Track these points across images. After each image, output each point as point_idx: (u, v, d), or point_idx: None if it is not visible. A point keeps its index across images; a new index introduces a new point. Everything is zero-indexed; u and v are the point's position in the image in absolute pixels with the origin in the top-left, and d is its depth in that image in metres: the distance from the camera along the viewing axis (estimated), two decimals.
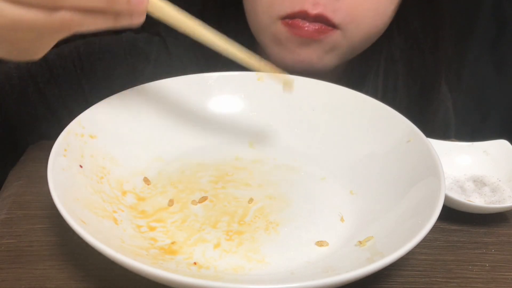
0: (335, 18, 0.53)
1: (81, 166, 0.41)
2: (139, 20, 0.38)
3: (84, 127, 0.44)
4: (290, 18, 0.54)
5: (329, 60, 0.57)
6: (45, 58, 0.59)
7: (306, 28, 0.53)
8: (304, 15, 0.53)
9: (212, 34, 0.42)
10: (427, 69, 0.66)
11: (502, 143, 0.49)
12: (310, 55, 0.56)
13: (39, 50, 0.39)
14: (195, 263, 0.37)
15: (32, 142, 0.56)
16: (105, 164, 0.44)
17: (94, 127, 0.45)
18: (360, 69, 0.67)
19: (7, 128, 0.58)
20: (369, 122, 0.49)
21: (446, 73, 0.69)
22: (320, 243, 0.39)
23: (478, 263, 0.40)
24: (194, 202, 0.43)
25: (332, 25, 0.54)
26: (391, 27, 0.62)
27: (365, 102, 0.50)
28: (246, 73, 0.53)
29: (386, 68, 0.65)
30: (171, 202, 0.43)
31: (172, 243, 0.39)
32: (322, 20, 0.53)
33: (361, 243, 0.38)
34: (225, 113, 0.52)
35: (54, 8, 0.33)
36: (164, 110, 0.50)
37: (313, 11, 0.52)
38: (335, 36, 0.55)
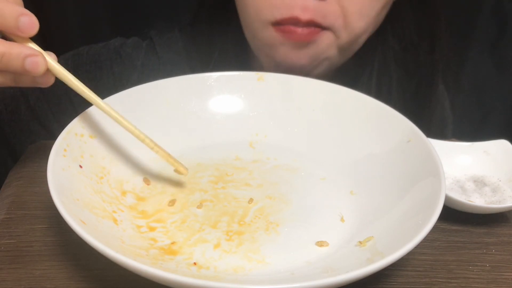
0: (325, 22, 0.54)
1: (81, 166, 0.41)
2: (45, 82, 0.40)
3: (83, 127, 0.44)
4: (280, 25, 0.54)
5: (320, 62, 0.58)
6: None
7: (299, 31, 0.54)
8: (295, 21, 0.53)
9: (103, 103, 0.42)
10: (423, 71, 0.66)
11: (503, 143, 0.49)
12: (302, 58, 0.57)
13: None
14: (195, 263, 0.37)
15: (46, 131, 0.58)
16: (105, 164, 0.44)
17: (93, 127, 0.45)
18: (354, 71, 0.67)
19: (2, 140, 0.59)
20: (369, 122, 0.49)
21: (444, 74, 0.69)
22: (320, 243, 0.39)
23: (479, 263, 0.40)
24: (194, 204, 0.43)
25: (323, 28, 0.54)
26: (385, 29, 0.62)
27: (366, 102, 0.50)
28: (246, 73, 0.53)
29: (379, 70, 0.66)
30: (171, 203, 0.43)
31: (172, 243, 0.39)
32: (313, 25, 0.54)
33: (361, 243, 0.38)
34: (225, 113, 0.52)
35: None
36: (164, 110, 0.50)
37: (304, 17, 0.53)
38: (326, 36, 0.55)
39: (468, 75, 1.04)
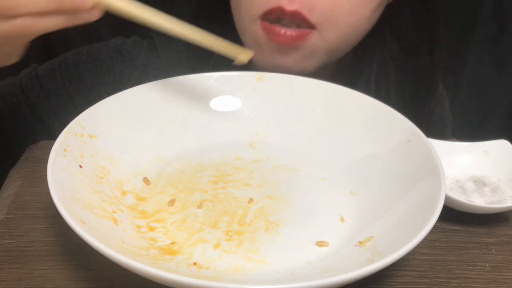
0: (312, 17, 0.53)
1: (81, 166, 0.41)
2: (94, 15, 0.40)
3: (84, 127, 0.44)
4: (268, 18, 0.54)
5: (308, 64, 0.57)
6: (36, 73, 0.61)
7: (283, 34, 0.53)
8: (280, 12, 0.53)
9: (163, 18, 0.43)
10: (422, 72, 0.66)
11: (502, 143, 0.49)
12: (288, 61, 0.56)
13: (9, 56, 0.42)
14: (195, 263, 0.37)
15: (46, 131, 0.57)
16: (105, 164, 0.44)
17: (94, 127, 0.45)
18: (352, 72, 0.67)
19: (1, 138, 0.60)
20: (369, 122, 0.49)
21: (443, 74, 0.69)
22: (320, 243, 0.39)
23: (479, 263, 0.40)
24: (194, 204, 0.43)
25: (309, 25, 0.53)
26: (383, 30, 0.62)
27: (366, 102, 0.50)
28: (246, 73, 0.53)
29: (378, 71, 0.65)
30: (171, 202, 0.43)
31: (172, 243, 0.39)
32: (299, 20, 0.53)
33: (361, 243, 0.38)
34: (225, 113, 0.52)
35: (8, 17, 0.36)
36: (164, 110, 0.50)
37: (289, 7, 0.52)
38: (313, 39, 0.54)
39: (468, 75, 1.04)
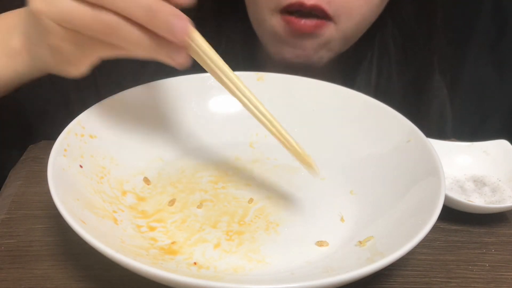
0: (330, 9, 0.54)
1: (81, 166, 0.41)
2: (180, 58, 0.38)
3: (84, 127, 0.44)
4: (288, 11, 0.55)
5: (324, 53, 0.59)
6: None
7: (303, 23, 0.55)
8: (300, 6, 0.54)
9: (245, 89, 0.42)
10: (421, 58, 0.67)
11: (502, 143, 0.49)
12: (306, 49, 0.57)
13: (78, 63, 0.40)
14: (195, 263, 0.37)
15: (46, 131, 0.57)
16: (105, 164, 0.44)
17: (94, 127, 0.45)
18: (354, 58, 0.68)
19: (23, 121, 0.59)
20: (369, 122, 0.49)
21: (440, 64, 0.69)
22: (320, 243, 0.39)
23: (478, 263, 0.40)
24: (194, 204, 0.43)
25: (327, 17, 0.55)
26: (384, 16, 0.63)
27: (366, 102, 0.50)
28: (246, 73, 0.53)
29: (380, 57, 0.67)
30: (171, 202, 0.43)
31: (172, 243, 0.39)
32: (318, 12, 0.54)
33: (361, 243, 0.38)
34: (225, 113, 0.52)
35: (101, 7, 0.35)
36: (164, 110, 0.50)
37: (309, 2, 0.54)
38: (329, 29, 0.56)
39: (468, 75, 1.04)
